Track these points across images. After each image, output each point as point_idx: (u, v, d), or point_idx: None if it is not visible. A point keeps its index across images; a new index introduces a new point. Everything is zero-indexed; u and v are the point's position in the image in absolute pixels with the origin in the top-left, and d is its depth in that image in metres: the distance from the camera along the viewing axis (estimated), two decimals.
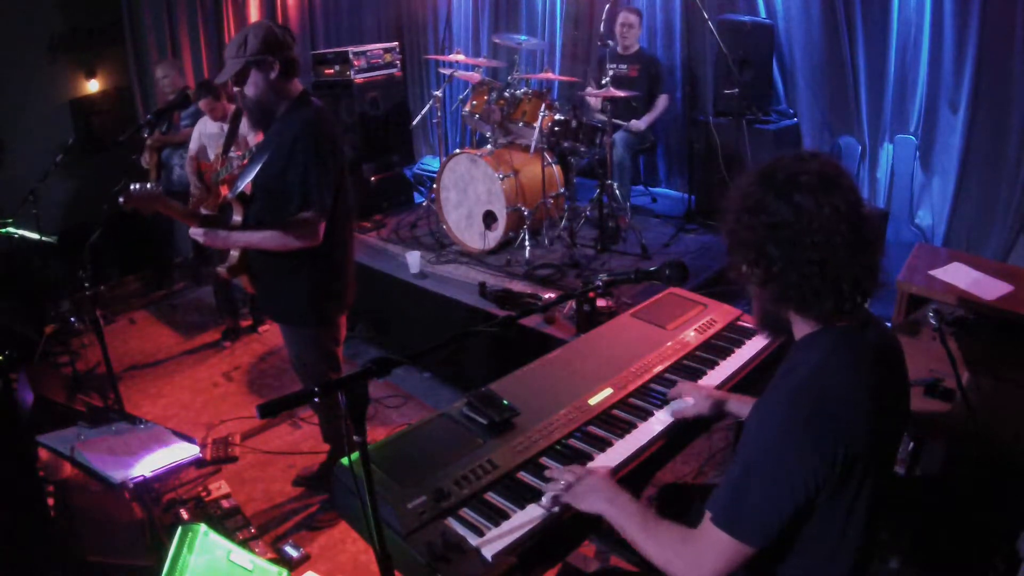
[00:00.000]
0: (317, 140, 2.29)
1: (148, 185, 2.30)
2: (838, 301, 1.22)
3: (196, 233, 2.39)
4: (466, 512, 1.46)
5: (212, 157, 4.10)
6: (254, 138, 3.97)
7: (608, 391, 1.85)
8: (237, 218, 2.45)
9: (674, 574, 1.27)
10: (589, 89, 4.83)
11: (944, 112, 3.96)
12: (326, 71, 5.34)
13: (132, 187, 2.21)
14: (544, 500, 1.48)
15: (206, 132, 4.18)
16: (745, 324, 2.22)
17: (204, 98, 4.02)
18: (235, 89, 2.34)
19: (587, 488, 1.44)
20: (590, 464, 1.60)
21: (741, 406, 1.74)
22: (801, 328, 1.31)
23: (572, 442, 1.69)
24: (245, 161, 3.83)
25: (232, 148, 3.88)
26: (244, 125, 3.95)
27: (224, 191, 3.97)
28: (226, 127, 4.00)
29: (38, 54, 5.25)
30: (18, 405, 3.03)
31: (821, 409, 1.18)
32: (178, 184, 4.95)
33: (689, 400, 1.79)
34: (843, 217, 1.18)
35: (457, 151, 4.38)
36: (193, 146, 4.24)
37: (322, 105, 2.42)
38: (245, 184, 2.43)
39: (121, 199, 2.29)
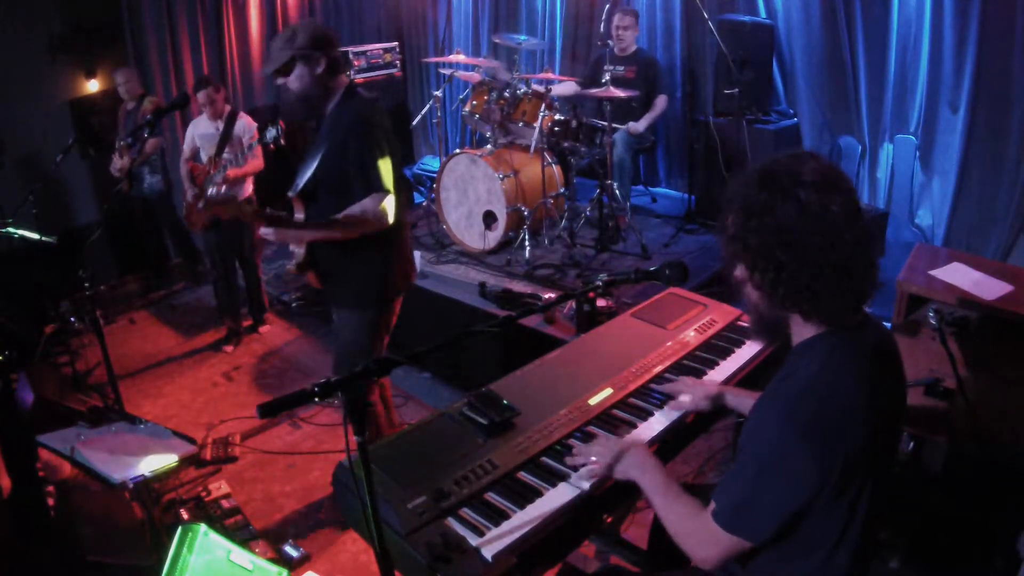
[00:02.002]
0: (369, 126, 2.33)
1: (223, 190, 2.32)
2: (854, 298, 1.23)
3: (267, 233, 2.39)
4: (466, 512, 1.46)
5: (205, 159, 4.07)
6: (249, 140, 3.96)
7: (608, 391, 1.85)
8: (299, 216, 2.46)
9: (683, 548, 1.34)
10: (570, 84, 4.85)
11: (944, 112, 3.96)
12: None
13: (210, 193, 2.22)
14: (582, 472, 1.54)
15: (199, 133, 4.14)
16: (745, 324, 2.22)
17: (204, 89, 4.01)
18: (279, 82, 2.38)
19: (626, 461, 1.51)
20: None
21: (737, 399, 1.77)
22: (800, 332, 1.31)
23: (572, 442, 1.69)
24: (229, 170, 3.83)
25: (226, 149, 3.87)
26: (239, 126, 3.97)
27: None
28: (221, 126, 3.99)
29: (38, 54, 5.25)
30: (18, 405, 3.03)
31: (821, 414, 1.18)
32: (148, 192, 4.94)
33: (686, 397, 1.81)
34: (849, 214, 1.18)
35: (457, 151, 4.39)
36: (186, 148, 4.20)
37: (371, 96, 2.47)
38: (304, 181, 2.45)
39: (200, 205, 2.28)
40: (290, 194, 2.50)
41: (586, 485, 1.52)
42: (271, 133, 2.56)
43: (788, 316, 1.30)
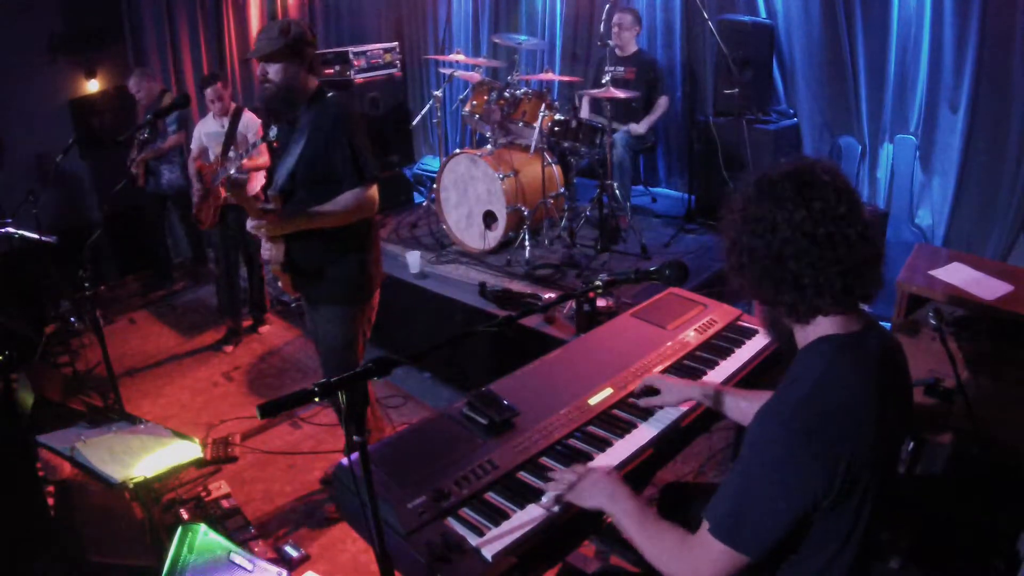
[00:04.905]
0: (351, 120, 2.45)
1: (241, 174, 2.42)
2: (858, 294, 1.22)
3: (252, 225, 2.44)
4: (466, 512, 1.46)
5: (212, 158, 4.09)
6: (253, 136, 3.96)
7: (608, 391, 1.85)
8: None
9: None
10: (580, 93, 4.84)
11: (944, 112, 3.95)
12: (326, 71, 5.34)
13: (231, 172, 2.35)
14: (545, 499, 1.48)
15: (207, 132, 4.16)
16: (745, 324, 2.22)
17: (212, 85, 4.03)
18: (260, 71, 2.45)
19: (589, 484, 1.44)
20: (591, 464, 1.60)
21: (707, 396, 1.75)
22: (805, 337, 1.30)
23: (572, 442, 1.69)
24: (244, 161, 3.84)
25: (232, 147, 3.88)
26: (243, 123, 3.98)
27: (223, 192, 3.96)
28: (226, 124, 4.00)
29: (38, 54, 5.25)
30: (18, 405, 3.03)
31: (824, 423, 1.17)
32: (167, 188, 4.94)
33: (660, 399, 1.80)
34: (851, 214, 1.18)
35: (457, 151, 4.38)
36: (195, 148, 4.22)
37: (340, 95, 2.58)
38: (283, 178, 2.50)
39: (221, 181, 2.40)
40: (270, 192, 2.55)
41: (551, 504, 1.47)
42: (274, 131, 2.58)
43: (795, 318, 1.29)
